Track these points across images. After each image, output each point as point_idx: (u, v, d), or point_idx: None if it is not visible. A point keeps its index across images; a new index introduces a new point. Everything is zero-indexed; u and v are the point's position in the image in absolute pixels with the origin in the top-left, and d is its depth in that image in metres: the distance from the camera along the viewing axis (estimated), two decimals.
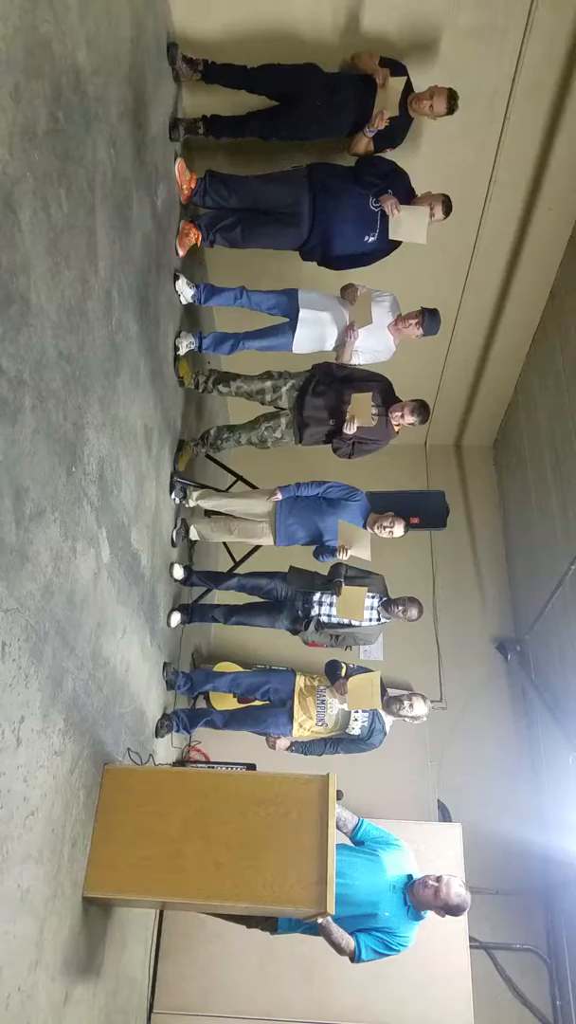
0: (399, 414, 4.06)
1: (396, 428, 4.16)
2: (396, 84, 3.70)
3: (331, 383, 4.13)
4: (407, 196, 3.96)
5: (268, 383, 4.20)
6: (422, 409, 4.06)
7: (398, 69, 3.77)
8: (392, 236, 3.92)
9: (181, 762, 4.61)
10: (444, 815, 5.10)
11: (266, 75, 3.82)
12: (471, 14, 3.86)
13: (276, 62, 3.83)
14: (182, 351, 4.08)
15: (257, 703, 4.28)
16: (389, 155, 4.06)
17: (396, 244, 4.10)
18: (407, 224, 3.87)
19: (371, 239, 3.98)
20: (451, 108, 3.77)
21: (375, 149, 3.97)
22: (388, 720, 4.03)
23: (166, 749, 4.24)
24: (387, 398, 4.14)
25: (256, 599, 4.41)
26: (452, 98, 3.75)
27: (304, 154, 4.30)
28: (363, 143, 3.90)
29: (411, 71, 3.82)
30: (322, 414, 4.11)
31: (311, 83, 3.82)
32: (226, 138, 4.03)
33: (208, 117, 3.97)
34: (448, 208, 3.92)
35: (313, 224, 3.96)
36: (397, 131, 3.93)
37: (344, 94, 3.81)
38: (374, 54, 3.82)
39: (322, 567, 4.31)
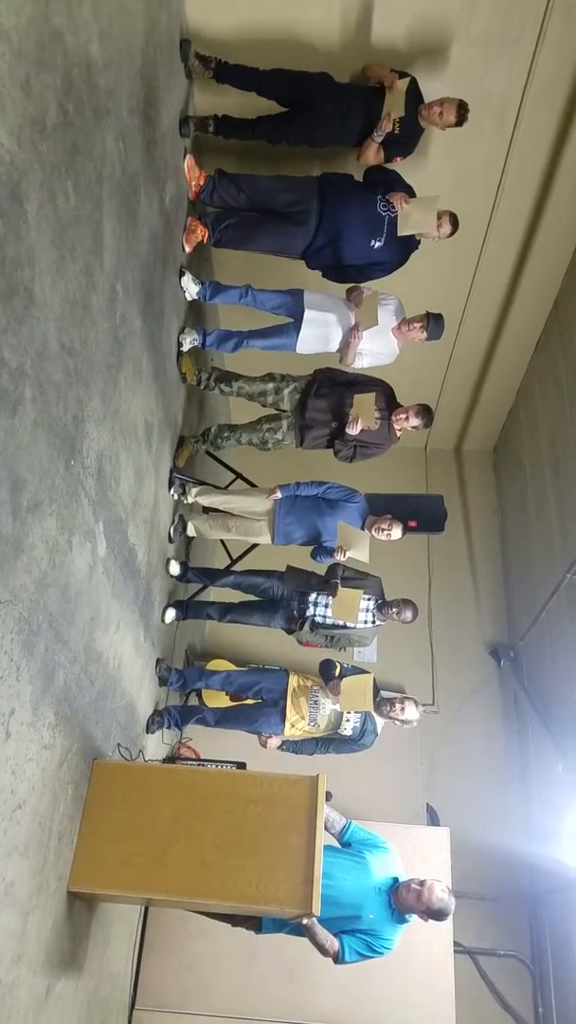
0: (403, 417, 4.05)
1: (398, 433, 4.16)
2: (401, 85, 3.73)
3: (333, 387, 4.13)
4: None
5: (270, 385, 4.20)
6: (426, 412, 4.06)
7: (406, 76, 3.80)
8: (401, 231, 3.86)
9: (171, 759, 4.60)
10: (433, 819, 5.11)
11: (278, 79, 3.83)
12: (485, 22, 3.87)
13: (289, 68, 3.83)
14: (185, 347, 4.08)
15: (249, 702, 4.28)
16: (399, 169, 4.03)
17: (404, 258, 4.10)
18: (415, 216, 3.84)
19: (377, 244, 3.95)
20: (461, 119, 3.77)
21: (385, 159, 3.96)
22: (380, 721, 4.03)
23: (156, 745, 4.24)
24: (389, 403, 4.14)
25: (252, 598, 4.40)
26: (462, 108, 3.75)
27: (312, 163, 4.29)
28: (372, 150, 3.89)
29: (422, 77, 3.84)
30: (324, 416, 4.11)
31: (322, 90, 3.83)
32: (235, 139, 4.03)
33: (219, 116, 3.97)
34: (455, 224, 3.91)
35: (320, 224, 3.95)
36: (408, 139, 3.93)
37: (353, 101, 3.83)
38: (385, 65, 3.86)
39: (319, 567, 4.31)
